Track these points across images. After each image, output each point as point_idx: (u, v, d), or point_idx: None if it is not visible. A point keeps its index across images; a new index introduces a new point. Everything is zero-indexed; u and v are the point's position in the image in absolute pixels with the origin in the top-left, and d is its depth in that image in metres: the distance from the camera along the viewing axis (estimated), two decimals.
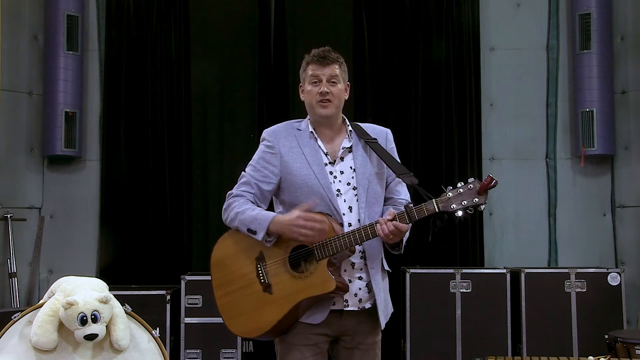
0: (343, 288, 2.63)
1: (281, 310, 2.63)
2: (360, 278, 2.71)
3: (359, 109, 5.86)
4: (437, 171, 5.87)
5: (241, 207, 2.71)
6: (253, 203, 2.75)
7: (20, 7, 5.85)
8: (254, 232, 2.65)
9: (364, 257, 2.71)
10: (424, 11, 6.03)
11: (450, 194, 2.57)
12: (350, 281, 2.68)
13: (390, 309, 2.82)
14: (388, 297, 2.82)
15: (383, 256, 2.79)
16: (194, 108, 6.04)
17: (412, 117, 5.96)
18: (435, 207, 2.56)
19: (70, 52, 5.83)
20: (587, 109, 5.79)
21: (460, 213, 2.55)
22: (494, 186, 2.52)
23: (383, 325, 2.75)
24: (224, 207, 2.78)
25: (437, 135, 5.95)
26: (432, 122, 5.97)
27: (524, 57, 6.11)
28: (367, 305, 2.72)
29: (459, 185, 2.57)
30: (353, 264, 2.70)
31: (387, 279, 2.83)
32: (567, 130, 6.03)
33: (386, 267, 2.81)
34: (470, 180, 2.57)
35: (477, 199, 2.54)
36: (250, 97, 6.04)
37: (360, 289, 2.70)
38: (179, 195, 5.91)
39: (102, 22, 6.07)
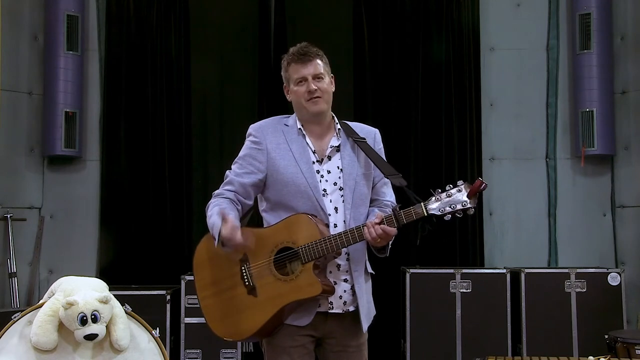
0: (329, 290, 2.60)
1: (266, 313, 2.58)
2: (345, 280, 2.67)
3: (359, 109, 5.86)
4: (437, 171, 5.86)
5: (212, 209, 2.66)
6: (234, 201, 2.69)
7: (20, 7, 5.85)
8: (214, 239, 2.59)
9: (349, 259, 2.67)
10: (424, 11, 6.03)
11: (439, 197, 2.51)
12: (335, 283, 2.64)
13: (373, 312, 2.77)
14: (371, 299, 2.77)
15: (367, 259, 2.75)
16: (194, 108, 6.03)
17: (412, 117, 5.95)
18: (424, 211, 2.50)
19: (70, 52, 5.82)
20: (587, 109, 5.78)
21: (449, 217, 2.50)
22: (483, 189, 2.47)
23: (365, 329, 2.70)
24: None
25: (437, 135, 5.95)
26: (432, 122, 5.96)
27: (524, 57, 6.10)
28: (351, 309, 2.67)
29: (447, 188, 2.52)
30: (339, 266, 2.66)
31: (370, 282, 2.78)
32: (567, 130, 6.03)
33: (369, 270, 2.76)
34: (460, 183, 2.51)
35: (466, 203, 2.48)
36: (250, 97, 6.03)
37: (345, 291, 2.66)
38: (179, 195, 5.91)
39: (102, 22, 6.06)
